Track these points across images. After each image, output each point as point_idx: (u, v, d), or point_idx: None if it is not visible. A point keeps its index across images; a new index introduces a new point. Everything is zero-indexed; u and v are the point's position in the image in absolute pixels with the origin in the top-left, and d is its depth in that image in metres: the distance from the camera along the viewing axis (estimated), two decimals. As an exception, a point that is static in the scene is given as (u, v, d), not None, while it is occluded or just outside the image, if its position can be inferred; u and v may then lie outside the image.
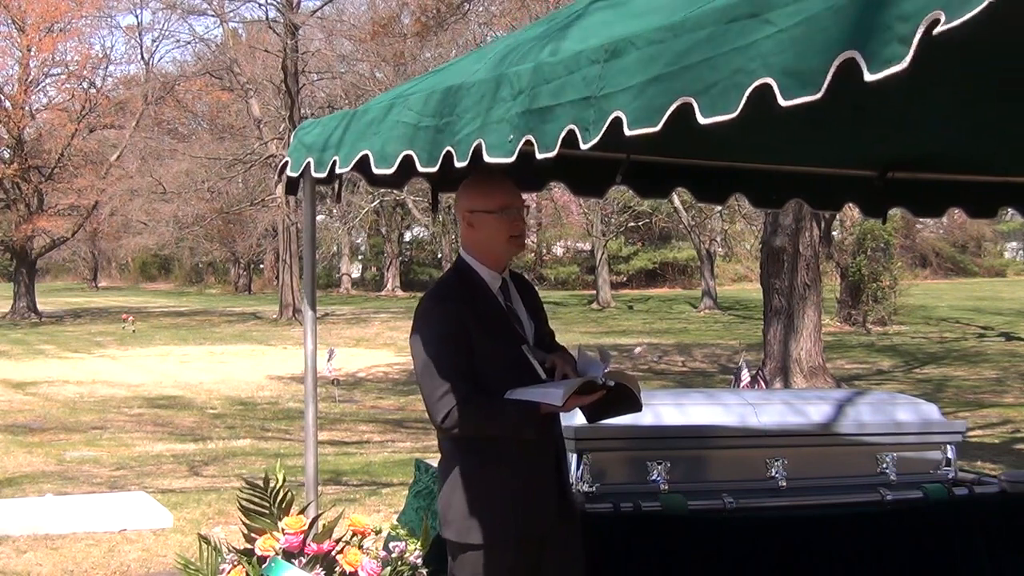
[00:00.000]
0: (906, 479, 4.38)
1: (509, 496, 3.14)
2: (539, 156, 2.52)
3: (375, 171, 3.23)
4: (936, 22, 1.68)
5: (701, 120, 2.09)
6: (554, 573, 3.24)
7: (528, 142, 2.56)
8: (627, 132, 2.24)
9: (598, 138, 2.35)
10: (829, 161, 4.71)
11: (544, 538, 3.19)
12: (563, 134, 2.45)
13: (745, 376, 10.80)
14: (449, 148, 2.88)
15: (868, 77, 1.77)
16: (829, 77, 1.85)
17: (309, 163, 3.61)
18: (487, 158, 2.67)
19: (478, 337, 3.11)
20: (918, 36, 1.71)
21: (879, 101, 3.66)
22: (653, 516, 3.94)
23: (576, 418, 3.39)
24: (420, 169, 3.05)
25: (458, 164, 2.84)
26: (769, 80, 1.97)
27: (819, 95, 1.88)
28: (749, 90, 2.00)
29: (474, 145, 2.75)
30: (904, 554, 4.23)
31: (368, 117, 3.33)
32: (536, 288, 3.53)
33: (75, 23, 36.40)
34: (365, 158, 3.23)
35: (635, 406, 3.25)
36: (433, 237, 55.31)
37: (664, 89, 2.19)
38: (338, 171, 3.42)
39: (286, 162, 3.81)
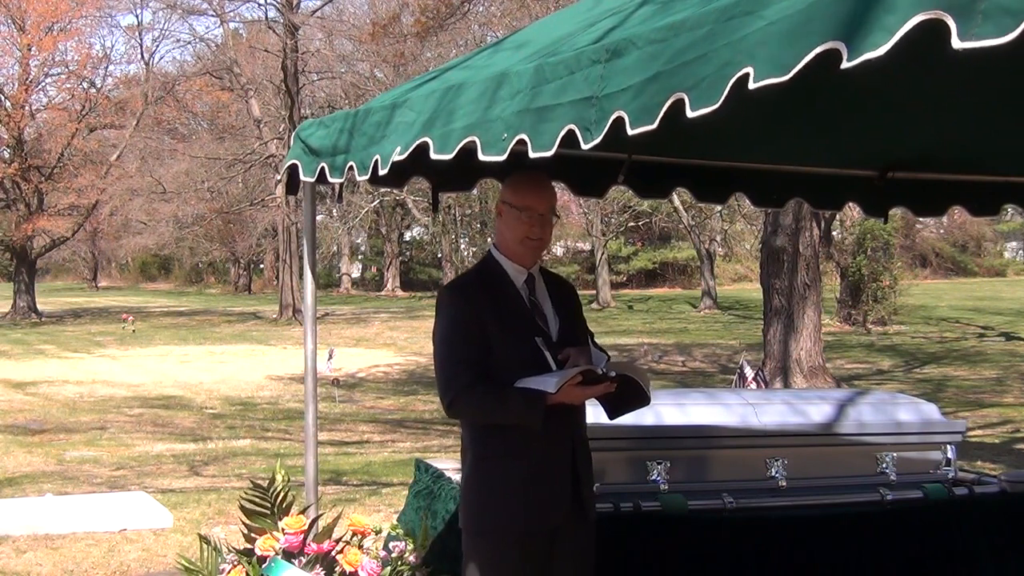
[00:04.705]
0: (906, 479, 4.38)
1: (517, 489, 3.15)
2: (532, 155, 2.52)
3: (382, 173, 3.23)
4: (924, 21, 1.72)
5: (689, 113, 2.11)
6: (564, 570, 3.24)
7: (521, 141, 2.55)
8: (629, 131, 2.25)
9: (600, 138, 2.35)
10: (830, 161, 4.71)
11: (554, 533, 3.20)
12: (563, 133, 2.45)
13: (749, 373, 10.78)
14: (426, 138, 2.88)
15: (845, 64, 1.81)
16: (803, 63, 1.90)
17: (323, 168, 3.58)
18: (481, 156, 2.67)
19: (493, 327, 3.16)
20: (904, 29, 1.74)
21: (880, 101, 3.66)
22: (653, 516, 3.94)
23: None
24: (394, 158, 3.06)
25: (434, 155, 2.85)
26: (749, 69, 2.00)
27: (786, 78, 1.92)
28: (732, 80, 2.03)
29: (464, 141, 2.75)
30: (904, 554, 4.22)
31: (374, 118, 3.32)
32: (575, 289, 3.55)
33: (75, 23, 36.36)
34: (379, 163, 3.22)
35: (643, 400, 3.26)
36: (433, 237, 55.29)
37: (662, 87, 2.20)
38: (358, 178, 3.42)
39: (295, 166, 3.75)
